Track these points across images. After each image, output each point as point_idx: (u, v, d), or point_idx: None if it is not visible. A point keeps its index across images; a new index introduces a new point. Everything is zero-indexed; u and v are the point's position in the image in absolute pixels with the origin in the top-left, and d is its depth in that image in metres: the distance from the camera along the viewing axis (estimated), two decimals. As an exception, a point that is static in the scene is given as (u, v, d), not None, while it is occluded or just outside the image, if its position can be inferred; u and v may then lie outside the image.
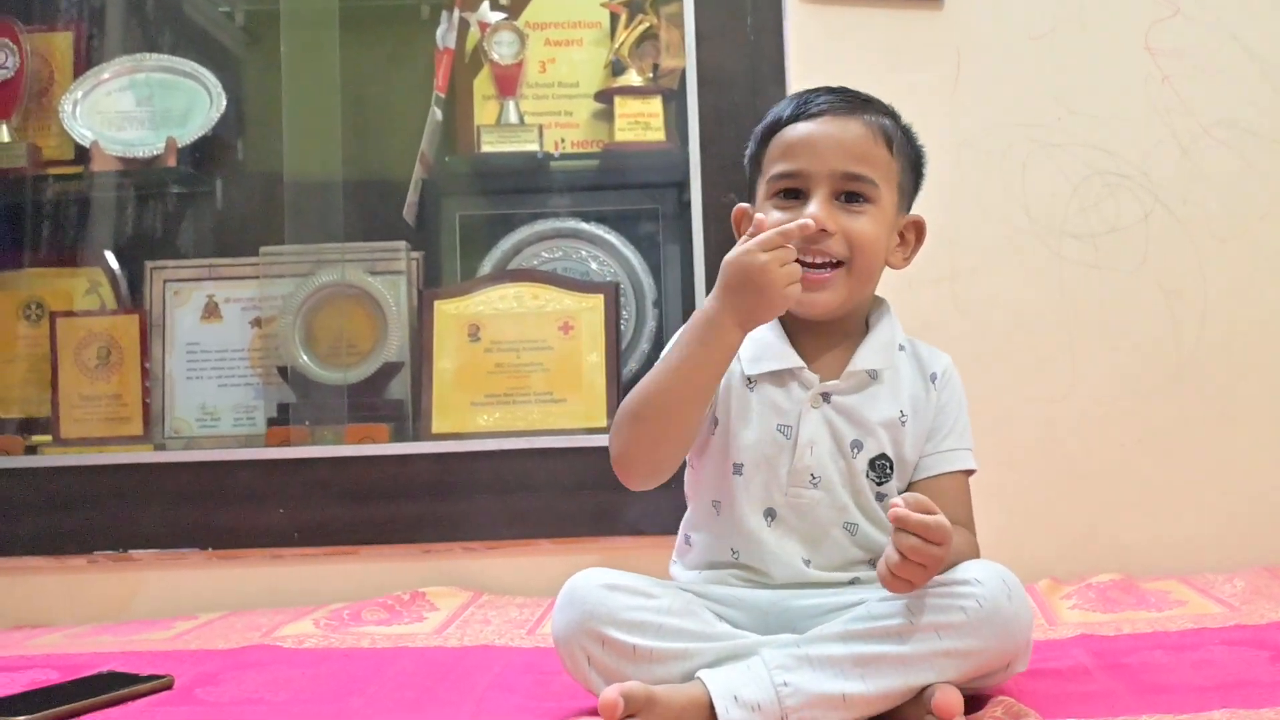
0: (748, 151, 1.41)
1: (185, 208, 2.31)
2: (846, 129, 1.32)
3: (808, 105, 1.33)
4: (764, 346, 1.34)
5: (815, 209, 1.28)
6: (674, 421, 1.26)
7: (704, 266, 1.99)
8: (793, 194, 1.32)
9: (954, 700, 1.14)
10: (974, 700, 1.24)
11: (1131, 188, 1.99)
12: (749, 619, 1.30)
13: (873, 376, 1.34)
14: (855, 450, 1.32)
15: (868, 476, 1.32)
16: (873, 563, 1.27)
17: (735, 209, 1.42)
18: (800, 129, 1.32)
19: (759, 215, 1.24)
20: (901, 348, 1.38)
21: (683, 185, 2.10)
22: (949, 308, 1.98)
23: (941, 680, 1.16)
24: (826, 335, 1.35)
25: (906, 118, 1.94)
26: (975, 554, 1.30)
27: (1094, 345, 1.98)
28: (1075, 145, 1.99)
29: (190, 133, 2.23)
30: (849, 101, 1.34)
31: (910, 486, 1.35)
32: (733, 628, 1.27)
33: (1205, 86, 1.99)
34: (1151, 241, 1.99)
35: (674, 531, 1.46)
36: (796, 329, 1.35)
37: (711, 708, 1.15)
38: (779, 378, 1.33)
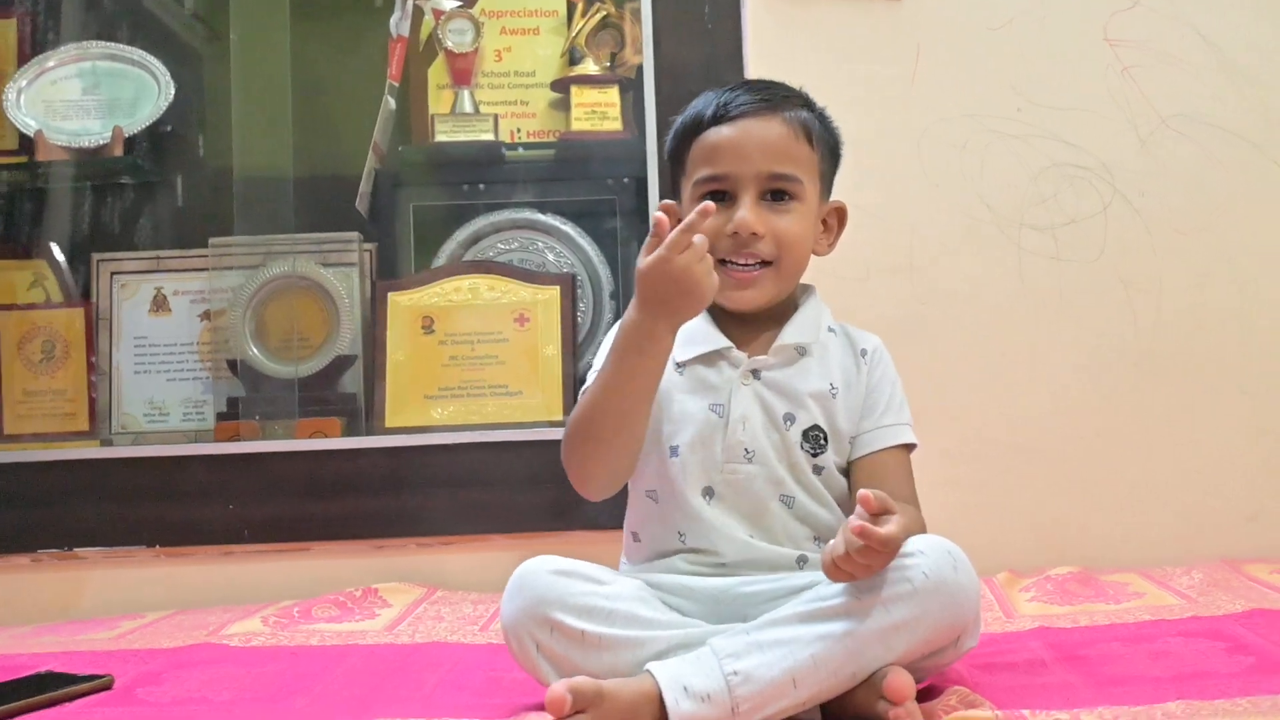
0: (667, 146, 1.42)
1: (133, 199, 2.25)
2: (769, 129, 1.34)
3: (728, 107, 1.34)
4: (691, 332, 1.35)
5: (745, 213, 1.31)
6: (624, 430, 1.28)
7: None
8: (718, 195, 1.33)
9: (905, 682, 1.13)
10: (928, 691, 1.24)
11: (1090, 179, 1.99)
12: (700, 608, 1.29)
13: (800, 351, 1.36)
14: (788, 423, 1.34)
15: (802, 448, 1.33)
16: (817, 539, 1.31)
17: (660, 205, 1.40)
18: (723, 132, 1.34)
19: (657, 214, 1.23)
20: (831, 330, 1.40)
21: (640, 176, 2.08)
22: (908, 299, 1.98)
23: (892, 657, 1.16)
24: (754, 319, 1.38)
25: (865, 108, 1.98)
26: (921, 529, 1.30)
27: (1053, 337, 1.98)
28: (1034, 136, 1.99)
29: (138, 122, 2.18)
30: (768, 100, 1.35)
31: (850, 464, 1.37)
32: (683, 616, 1.26)
33: (1165, 78, 1.99)
34: (1110, 233, 1.98)
35: (631, 525, 1.45)
36: (724, 314, 1.37)
37: (662, 700, 1.13)
38: (708, 359, 1.36)
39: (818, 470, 1.34)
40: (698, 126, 1.36)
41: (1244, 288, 1.97)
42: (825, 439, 1.34)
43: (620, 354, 1.26)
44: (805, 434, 1.34)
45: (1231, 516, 1.95)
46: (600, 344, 1.42)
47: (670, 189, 1.43)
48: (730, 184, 1.33)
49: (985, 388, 1.97)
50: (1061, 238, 1.99)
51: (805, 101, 1.39)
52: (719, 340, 1.35)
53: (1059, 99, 1.99)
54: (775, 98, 1.36)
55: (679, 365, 1.35)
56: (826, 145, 1.39)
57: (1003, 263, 1.99)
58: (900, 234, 1.98)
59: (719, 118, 1.34)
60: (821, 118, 1.40)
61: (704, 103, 1.37)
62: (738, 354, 1.35)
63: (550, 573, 1.22)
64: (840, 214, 1.43)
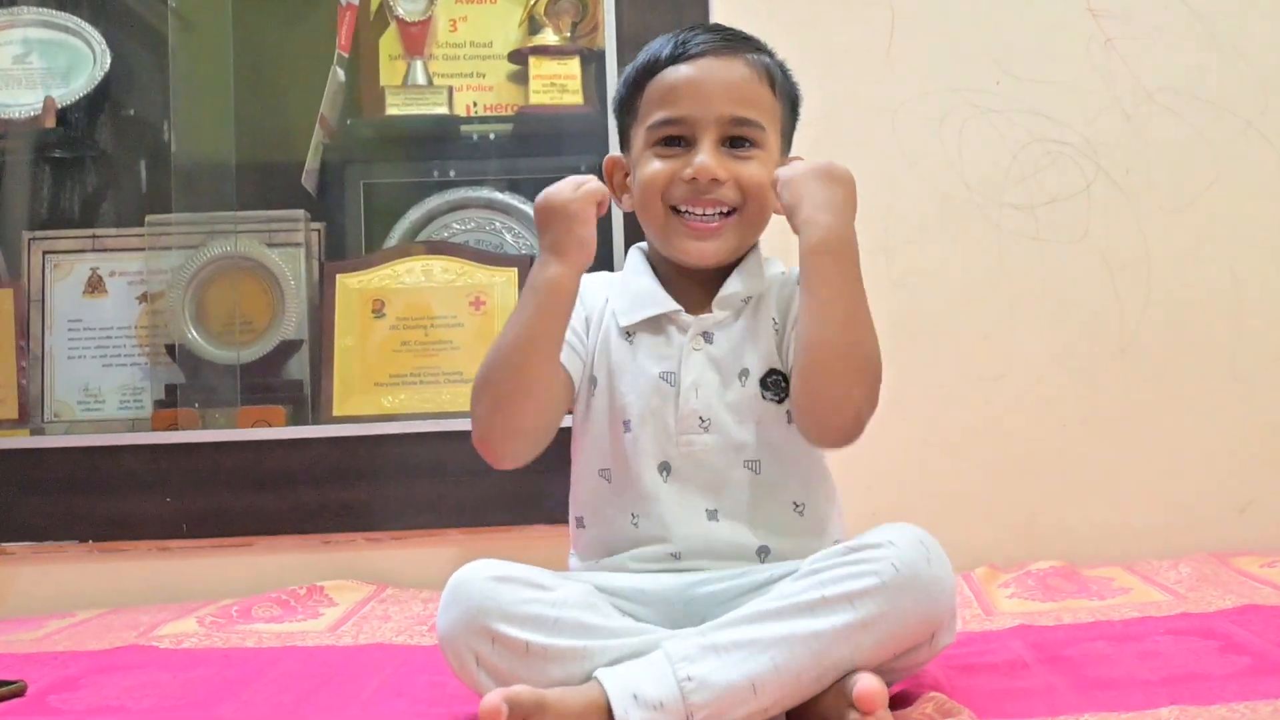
0: (617, 95, 1.35)
1: (66, 173, 2.17)
2: (731, 70, 1.26)
3: (687, 46, 1.27)
4: (637, 295, 1.30)
5: (704, 157, 1.24)
6: (523, 379, 1.20)
7: (623, 237, 1.92)
8: (675, 141, 1.26)
9: (877, 690, 1.05)
10: (901, 697, 1.16)
11: (1073, 156, 1.94)
12: (654, 612, 1.20)
13: (745, 301, 1.29)
14: (743, 379, 1.26)
15: (765, 398, 1.26)
16: (783, 525, 1.24)
17: (606, 160, 1.35)
18: (681, 71, 1.26)
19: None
20: (782, 273, 1.33)
21: (602, 152, 1.99)
22: (883, 281, 1.92)
23: (860, 659, 1.08)
24: (702, 281, 1.30)
25: (838, 81, 1.91)
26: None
27: (1034, 321, 1.93)
28: (1015, 111, 1.94)
29: (72, 93, 2.10)
30: (729, 40, 1.29)
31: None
32: (636, 622, 1.17)
33: (1150, 50, 1.94)
34: (1094, 212, 1.94)
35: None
36: (671, 278, 1.31)
37: (610, 710, 1.04)
38: (656, 324, 1.29)
39: (790, 417, 1.25)
40: (653, 67, 1.28)
41: (1234, 268, 1.92)
42: (785, 381, 1.25)
43: (521, 298, 1.21)
44: (764, 381, 1.26)
45: (1221, 508, 1.90)
46: None
47: (621, 145, 1.35)
48: (688, 128, 1.25)
49: (963, 374, 1.92)
50: (1043, 217, 1.94)
51: (768, 50, 1.32)
52: (666, 303, 1.28)
53: (1040, 72, 1.94)
54: (737, 39, 1.29)
55: (626, 332, 1.28)
56: (788, 97, 1.32)
57: (981, 243, 1.93)
58: (875, 212, 1.90)
59: (677, 56, 1.26)
60: (782, 67, 1.32)
61: (659, 44, 1.29)
62: (686, 317, 1.28)
63: (489, 579, 1.12)
64: None
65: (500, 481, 1.87)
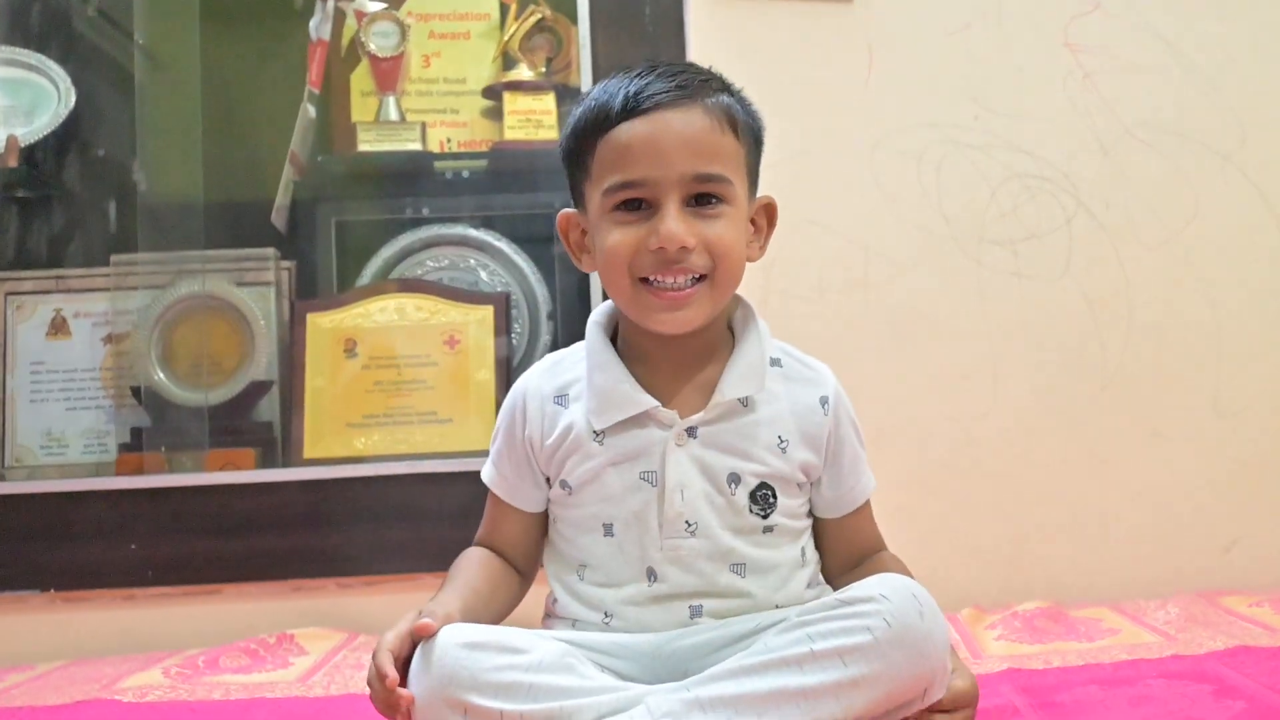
0: (564, 145, 1.22)
1: (31, 213, 2.13)
2: (690, 122, 1.14)
3: (640, 99, 1.14)
4: (609, 392, 1.19)
5: (671, 224, 1.13)
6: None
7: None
8: (635, 203, 1.15)
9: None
10: None
11: (1053, 190, 1.93)
12: (635, 667, 1.15)
13: (744, 404, 1.21)
14: (733, 485, 1.19)
15: (751, 511, 1.19)
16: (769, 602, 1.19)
17: (560, 216, 1.25)
18: (636, 128, 1.14)
19: (425, 621, 1.11)
20: (775, 361, 1.24)
21: (579, 188, 1.98)
22: (862, 318, 1.91)
23: (851, 716, 1.03)
24: (681, 357, 1.21)
25: (816, 116, 1.90)
26: (905, 571, 1.20)
27: (1015, 357, 1.92)
28: (993, 146, 1.93)
29: (35, 131, 2.06)
30: (685, 86, 1.16)
31: (818, 523, 1.27)
32: (618, 679, 1.12)
33: (1127, 85, 1.94)
34: (1074, 247, 1.93)
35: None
36: (647, 358, 1.21)
37: (589, 772, 1.00)
38: (634, 422, 1.19)
39: (769, 530, 1.20)
40: (604, 121, 1.16)
41: (1215, 303, 1.92)
42: (774, 496, 1.20)
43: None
44: (753, 495, 1.19)
45: (1206, 546, 1.89)
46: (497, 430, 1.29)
47: (571, 196, 1.25)
48: (649, 190, 1.14)
49: (944, 411, 1.90)
50: (1023, 252, 1.93)
51: (723, 84, 1.21)
52: (643, 400, 1.18)
53: (1018, 107, 1.94)
54: (692, 83, 1.16)
55: (599, 435, 1.19)
56: (751, 134, 1.20)
57: (961, 279, 1.92)
58: (854, 249, 1.91)
59: (630, 110, 1.14)
60: (742, 101, 1.22)
61: (608, 93, 1.16)
62: (667, 413, 1.18)
63: (460, 646, 1.06)
64: (769, 211, 1.25)
65: (475, 525, 1.84)
